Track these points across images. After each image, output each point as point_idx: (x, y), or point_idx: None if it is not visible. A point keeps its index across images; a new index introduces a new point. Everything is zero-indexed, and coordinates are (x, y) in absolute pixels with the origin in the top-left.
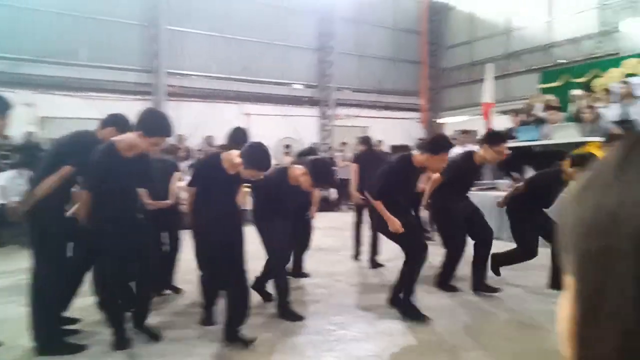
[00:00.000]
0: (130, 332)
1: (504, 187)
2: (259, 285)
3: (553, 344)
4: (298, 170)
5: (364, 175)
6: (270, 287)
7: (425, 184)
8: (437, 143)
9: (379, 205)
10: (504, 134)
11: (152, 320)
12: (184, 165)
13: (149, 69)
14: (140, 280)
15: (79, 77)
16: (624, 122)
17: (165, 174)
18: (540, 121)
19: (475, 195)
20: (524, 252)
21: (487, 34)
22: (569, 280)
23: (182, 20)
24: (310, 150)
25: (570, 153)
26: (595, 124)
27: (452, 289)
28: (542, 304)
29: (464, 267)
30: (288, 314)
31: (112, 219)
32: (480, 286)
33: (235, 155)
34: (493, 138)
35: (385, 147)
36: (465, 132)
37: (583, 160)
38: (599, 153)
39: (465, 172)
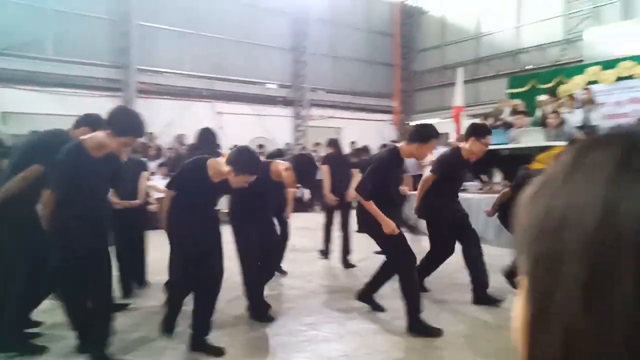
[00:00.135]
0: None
1: (474, 189)
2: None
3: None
4: (281, 165)
5: (334, 177)
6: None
7: (407, 184)
8: (426, 131)
9: (371, 206)
10: (488, 126)
11: (123, 322)
12: (154, 164)
13: (119, 65)
14: (101, 288)
15: (45, 71)
16: (586, 128)
17: (133, 173)
18: (508, 125)
19: None
20: None
21: (458, 38)
22: (522, 281)
23: (153, 16)
24: (279, 152)
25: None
26: (560, 129)
27: (423, 289)
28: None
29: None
30: (259, 314)
31: (77, 220)
32: (484, 299)
33: (222, 163)
34: (479, 130)
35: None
36: None
37: None
38: None
39: (455, 168)
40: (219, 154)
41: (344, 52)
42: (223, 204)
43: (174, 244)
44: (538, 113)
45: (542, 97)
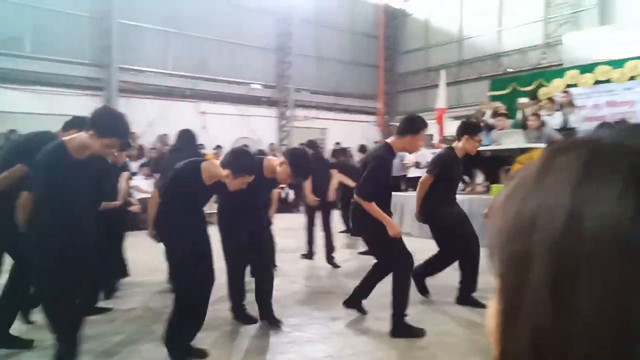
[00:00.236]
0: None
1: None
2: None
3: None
4: (274, 160)
5: (314, 178)
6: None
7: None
8: (416, 122)
9: (373, 207)
10: (479, 123)
11: (103, 325)
12: (136, 164)
13: (100, 63)
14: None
15: (23, 69)
16: (565, 130)
17: (114, 174)
18: (489, 127)
19: None
20: None
21: (441, 41)
22: (495, 280)
23: (135, 15)
24: (260, 154)
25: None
26: (539, 131)
27: (425, 291)
28: None
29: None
30: (242, 316)
31: (55, 221)
32: (467, 301)
33: (217, 166)
34: (471, 128)
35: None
36: None
37: None
38: None
39: (450, 167)
40: (200, 155)
41: (329, 53)
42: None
43: (170, 251)
44: (519, 115)
45: (523, 100)
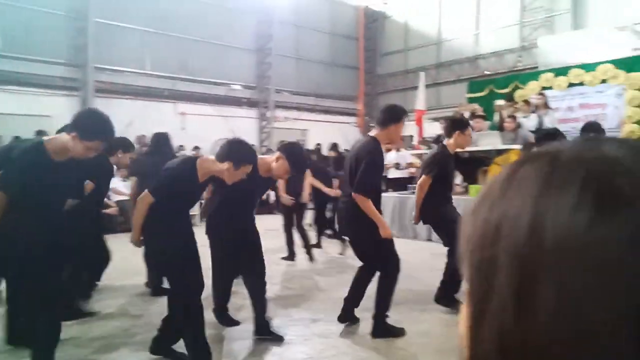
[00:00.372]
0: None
1: None
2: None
3: None
4: (269, 157)
5: (288, 178)
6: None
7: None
8: (397, 110)
9: (369, 204)
10: (466, 118)
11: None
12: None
13: (75, 63)
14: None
15: None
16: (540, 131)
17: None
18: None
19: (409, 199)
20: None
21: (420, 43)
22: (465, 286)
23: (113, 14)
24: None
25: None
26: (515, 133)
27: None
28: None
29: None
30: (225, 318)
31: (27, 223)
32: (446, 300)
33: (212, 161)
34: (461, 123)
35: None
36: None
37: None
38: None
39: (446, 165)
40: (174, 157)
41: (309, 54)
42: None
43: (163, 255)
44: (495, 117)
45: (499, 102)
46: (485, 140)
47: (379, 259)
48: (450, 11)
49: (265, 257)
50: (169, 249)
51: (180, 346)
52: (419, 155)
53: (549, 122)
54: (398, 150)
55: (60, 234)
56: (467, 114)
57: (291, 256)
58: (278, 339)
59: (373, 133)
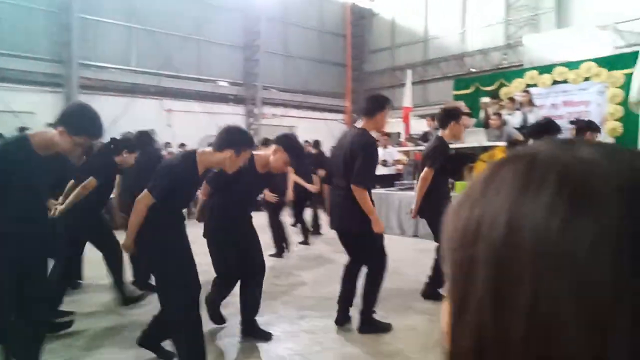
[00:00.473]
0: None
1: None
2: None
3: None
4: (264, 152)
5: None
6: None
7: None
8: (381, 99)
9: (367, 197)
10: (458, 107)
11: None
12: None
13: (59, 59)
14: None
15: None
16: (525, 128)
17: (70, 173)
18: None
19: (395, 195)
20: None
21: (407, 41)
22: (447, 282)
23: (97, 9)
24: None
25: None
26: (500, 130)
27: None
28: None
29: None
30: (216, 316)
31: (9, 222)
32: (434, 295)
33: (211, 153)
34: (454, 113)
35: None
36: (386, 134)
37: None
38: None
39: (446, 156)
40: (160, 156)
41: (297, 51)
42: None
43: (163, 261)
44: (481, 114)
45: (485, 99)
46: (471, 137)
47: (369, 254)
48: (436, 9)
49: None
50: (164, 253)
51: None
52: (406, 152)
53: (533, 119)
54: (385, 147)
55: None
56: None
57: (279, 253)
58: (266, 337)
59: (360, 124)
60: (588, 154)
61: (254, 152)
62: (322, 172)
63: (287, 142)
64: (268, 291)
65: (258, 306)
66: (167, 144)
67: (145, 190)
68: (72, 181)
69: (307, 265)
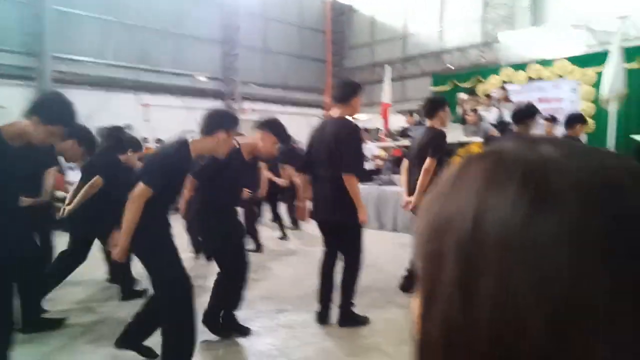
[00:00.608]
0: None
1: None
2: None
3: None
4: (250, 138)
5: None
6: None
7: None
8: (354, 84)
9: (356, 186)
10: (440, 99)
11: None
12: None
13: (31, 51)
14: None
15: None
16: (501, 124)
17: (39, 166)
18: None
19: (375, 190)
20: None
21: (387, 37)
22: (418, 275)
23: (71, 1)
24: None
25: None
26: (477, 126)
27: None
28: None
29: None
30: (234, 326)
31: None
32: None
33: (202, 139)
34: (441, 101)
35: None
36: (366, 130)
37: None
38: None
39: (445, 144)
40: (125, 150)
41: (276, 46)
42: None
43: (162, 260)
44: (458, 110)
45: (462, 95)
46: (449, 133)
47: (350, 246)
48: (415, 6)
49: None
50: (159, 251)
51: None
52: (385, 148)
53: (508, 116)
54: (364, 142)
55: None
56: None
57: (257, 248)
58: (244, 332)
59: (337, 113)
60: (551, 152)
61: (239, 141)
62: (290, 168)
63: (273, 124)
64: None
65: (239, 302)
66: (145, 139)
67: (141, 184)
68: (77, 182)
69: (284, 260)
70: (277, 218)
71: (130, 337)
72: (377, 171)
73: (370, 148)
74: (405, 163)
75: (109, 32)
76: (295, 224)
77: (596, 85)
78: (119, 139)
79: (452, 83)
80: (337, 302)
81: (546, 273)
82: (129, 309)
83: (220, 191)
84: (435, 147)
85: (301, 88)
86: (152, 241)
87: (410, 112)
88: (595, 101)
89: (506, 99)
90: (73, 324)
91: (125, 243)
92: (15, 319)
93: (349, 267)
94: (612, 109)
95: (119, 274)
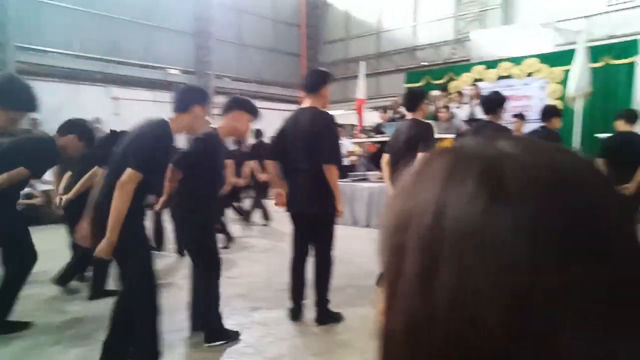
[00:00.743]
0: None
1: (374, 178)
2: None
3: None
4: (224, 122)
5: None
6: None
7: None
8: (324, 73)
9: (336, 176)
10: (421, 91)
11: None
12: None
13: None
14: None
15: None
16: (472, 121)
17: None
18: (404, 118)
19: (349, 186)
20: None
21: (361, 32)
22: (382, 269)
23: None
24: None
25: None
26: (449, 123)
27: None
28: None
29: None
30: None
31: None
32: None
33: (176, 118)
34: (422, 94)
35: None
36: (341, 126)
37: None
38: None
39: (434, 136)
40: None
41: (250, 40)
42: None
43: (132, 249)
44: (431, 107)
45: (435, 92)
46: None
47: (325, 239)
48: (389, 1)
49: None
50: (134, 244)
51: None
52: (360, 144)
53: (480, 113)
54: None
55: None
56: None
57: (228, 242)
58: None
59: (308, 102)
60: (509, 148)
61: (215, 125)
62: (253, 164)
63: (244, 102)
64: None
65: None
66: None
67: (129, 169)
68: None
69: (255, 257)
70: (241, 212)
71: (113, 347)
72: (351, 167)
73: (345, 144)
74: (386, 157)
75: (77, 22)
76: (266, 218)
77: (563, 83)
78: (115, 132)
79: (425, 80)
80: (312, 300)
81: (503, 267)
82: (98, 308)
83: (200, 181)
84: (427, 141)
85: (276, 83)
86: (131, 233)
87: (384, 109)
88: (563, 99)
89: (478, 96)
90: (41, 324)
91: (115, 236)
92: None
93: (322, 263)
94: (578, 107)
95: (79, 269)
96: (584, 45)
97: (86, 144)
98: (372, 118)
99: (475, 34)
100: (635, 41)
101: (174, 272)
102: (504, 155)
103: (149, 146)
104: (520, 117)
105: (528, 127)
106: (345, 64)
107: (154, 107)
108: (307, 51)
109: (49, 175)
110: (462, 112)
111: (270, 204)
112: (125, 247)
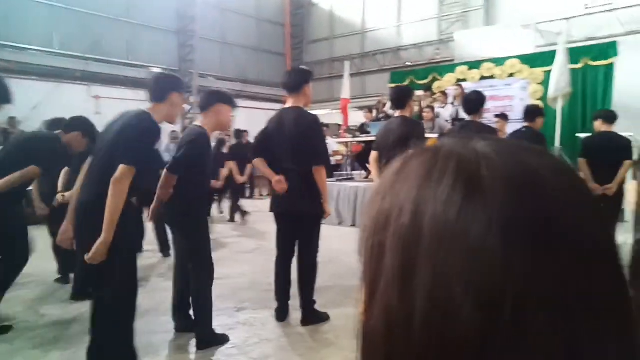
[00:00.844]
0: None
1: (359, 178)
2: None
3: None
4: (207, 118)
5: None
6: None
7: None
8: (305, 72)
9: (325, 177)
10: (409, 89)
11: None
12: None
13: None
14: None
15: None
16: (456, 121)
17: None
18: (389, 118)
19: (334, 186)
20: None
21: (346, 32)
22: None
23: None
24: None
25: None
26: (433, 122)
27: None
28: None
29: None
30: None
31: None
32: None
33: (155, 108)
34: (409, 92)
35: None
36: (326, 125)
37: None
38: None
39: (424, 134)
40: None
41: (234, 38)
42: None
43: (120, 248)
44: (415, 107)
45: (419, 92)
46: None
47: (316, 239)
48: (373, 2)
49: None
50: (122, 245)
51: None
52: (345, 144)
53: (463, 113)
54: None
55: None
56: (389, 104)
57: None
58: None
59: (291, 102)
60: (484, 148)
61: (200, 124)
62: (232, 165)
63: (222, 94)
64: None
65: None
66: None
67: (122, 166)
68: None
69: (239, 257)
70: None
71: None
72: (336, 167)
73: (330, 144)
74: (374, 155)
75: (57, 19)
76: (243, 216)
77: (544, 84)
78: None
79: (409, 80)
80: (298, 301)
81: (477, 262)
82: (79, 310)
83: (191, 185)
84: (419, 138)
85: (260, 82)
86: (120, 232)
87: (369, 108)
88: (544, 99)
89: (461, 96)
90: (21, 328)
91: (111, 235)
92: None
93: (307, 264)
94: (558, 108)
95: (70, 269)
96: (563, 47)
97: (89, 141)
98: (357, 118)
99: (459, 34)
100: (614, 43)
101: (154, 272)
102: (479, 154)
103: (140, 140)
104: (502, 117)
105: (510, 128)
106: (330, 64)
107: (135, 106)
108: (292, 50)
109: None
110: (445, 112)
111: (247, 203)
112: (113, 246)
